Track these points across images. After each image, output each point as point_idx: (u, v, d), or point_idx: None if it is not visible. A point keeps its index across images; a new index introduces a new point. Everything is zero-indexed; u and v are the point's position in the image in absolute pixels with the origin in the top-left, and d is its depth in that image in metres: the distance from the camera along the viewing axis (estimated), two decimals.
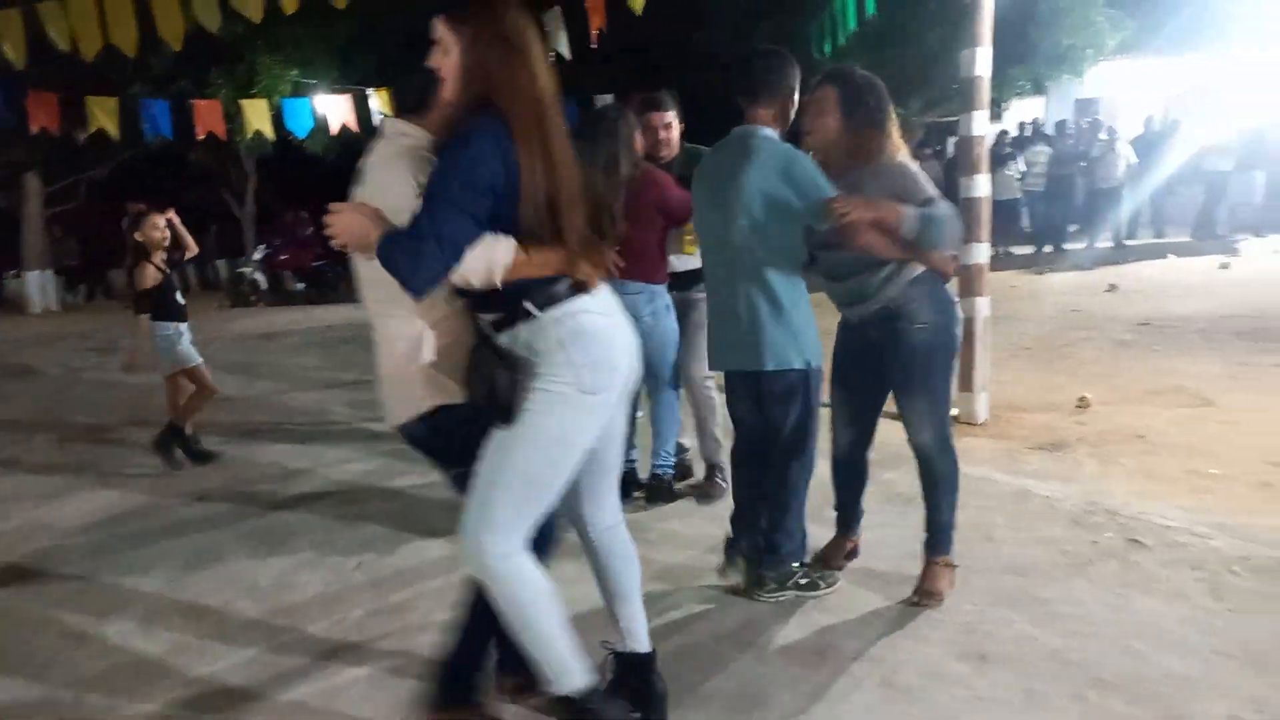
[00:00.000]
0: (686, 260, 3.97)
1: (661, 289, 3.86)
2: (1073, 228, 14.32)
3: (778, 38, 12.16)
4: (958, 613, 2.92)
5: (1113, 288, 10.20)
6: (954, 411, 5.16)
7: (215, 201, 18.08)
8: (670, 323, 3.90)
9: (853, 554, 3.30)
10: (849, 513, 3.30)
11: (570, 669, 2.13)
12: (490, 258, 1.93)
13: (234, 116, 11.10)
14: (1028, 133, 15.31)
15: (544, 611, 2.08)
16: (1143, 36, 13.38)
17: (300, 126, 10.20)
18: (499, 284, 1.96)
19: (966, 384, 5.19)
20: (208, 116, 10.23)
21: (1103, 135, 13.78)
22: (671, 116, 4.02)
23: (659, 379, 3.94)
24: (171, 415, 5.11)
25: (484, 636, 2.29)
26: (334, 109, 11.87)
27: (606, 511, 2.31)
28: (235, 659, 2.82)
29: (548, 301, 2.00)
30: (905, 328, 2.88)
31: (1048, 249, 13.73)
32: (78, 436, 5.88)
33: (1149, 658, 2.59)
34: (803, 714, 2.41)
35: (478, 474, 2.05)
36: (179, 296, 5.19)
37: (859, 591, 3.10)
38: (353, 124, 11.62)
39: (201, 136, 10.49)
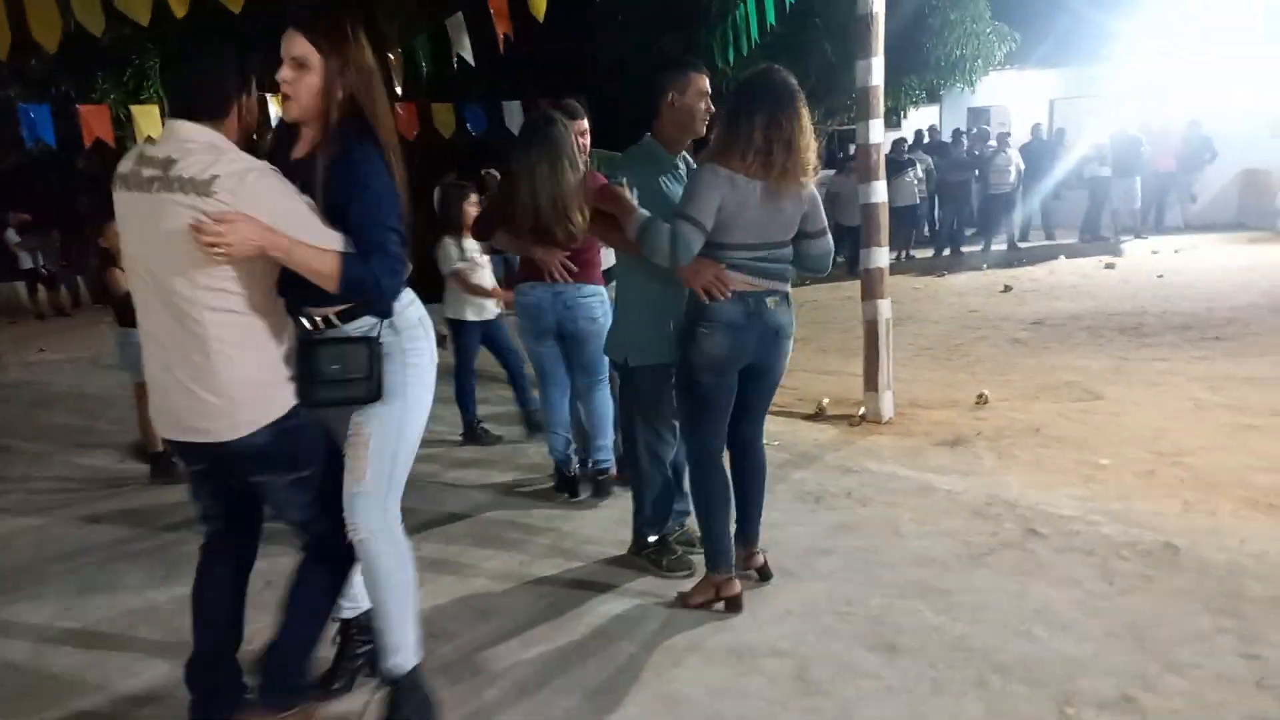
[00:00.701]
0: (609, 257, 4.08)
1: (605, 289, 4.01)
2: (969, 231, 14.89)
3: (680, 48, 12.32)
4: (867, 605, 3.00)
5: (1008, 288, 10.62)
6: (860, 410, 5.35)
7: (107, 209, 17.26)
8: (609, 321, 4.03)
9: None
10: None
11: (413, 646, 2.34)
12: None
13: (124, 122, 10.64)
14: (924, 140, 15.87)
15: (412, 583, 2.33)
16: (1028, 48, 13.99)
17: None
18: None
19: (872, 383, 5.34)
20: (95, 122, 9.74)
21: (992, 142, 14.37)
22: (586, 124, 4.16)
23: (597, 377, 4.07)
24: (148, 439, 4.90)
25: (316, 632, 2.35)
26: None
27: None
28: (134, 682, 2.71)
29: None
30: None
31: (946, 252, 14.22)
32: None
33: (1045, 642, 2.71)
34: (716, 714, 2.44)
35: (365, 460, 2.20)
36: None
37: (770, 588, 3.16)
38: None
39: (89, 143, 10.04)
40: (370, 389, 2.19)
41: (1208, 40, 14.29)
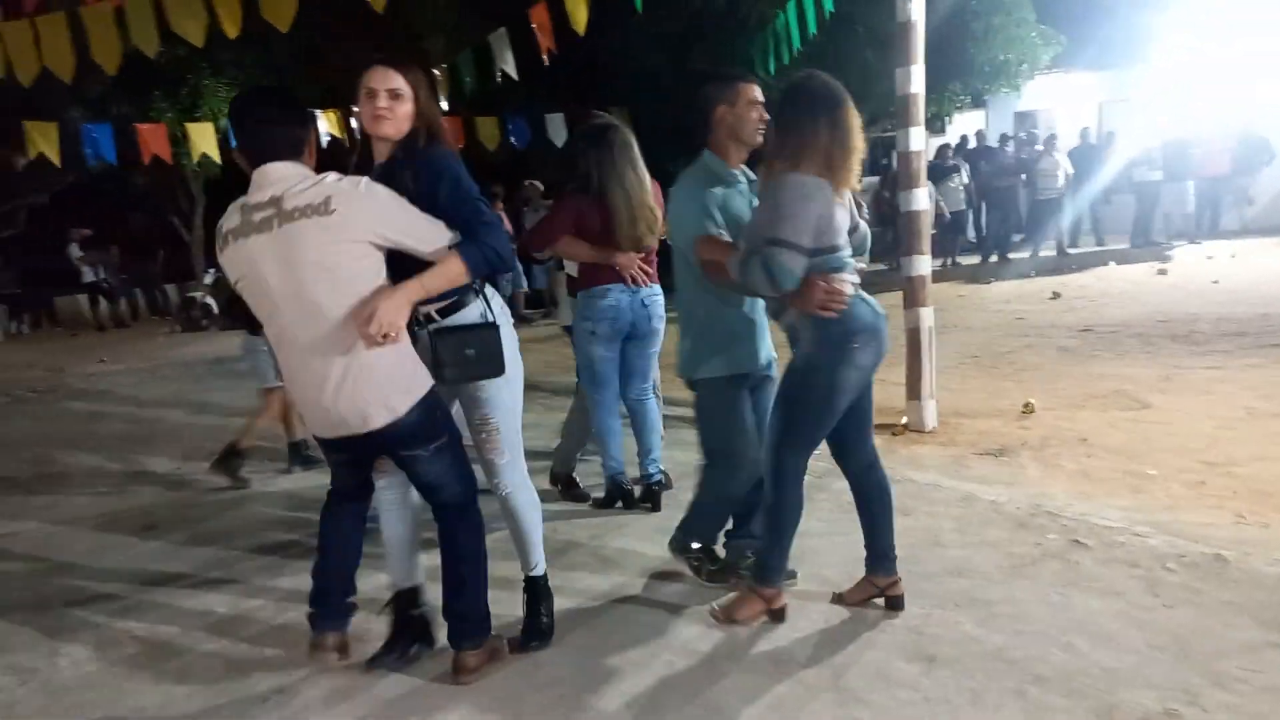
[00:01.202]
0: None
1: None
2: (1017, 237, 14.68)
3: (716, 58, 12.36)
4: (906, 616, 2.99)
5: (1056, 295, 10.47)
6: (903, 419, 5.31)
7: (163, 226, 17.79)
8: None
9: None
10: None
11: (543, 557, 2.97)
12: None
13: (179, 140, 10.97)
14: (969, 146, 15.68)
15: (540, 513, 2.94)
16: (1075, 51, 13.80)
17: None
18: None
19: (914, 392, 5.31)
20: (152, 140, 10.09)
21: (1039, 146, 14.17)
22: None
23: (650, 383, 4.23)
24: (286, 431, 5.33)
25: (483, 577, 2.77)
26: None
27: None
28: (193, 685, 2.80)
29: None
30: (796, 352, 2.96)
31: (993, 259, 14.04)
32: (25, 465, 5.75)
33: (1086, 653, 2.68)
34: (752, 718, 2.45)
35: (498, 438, 2.74)
36: None
37: (810, 599, 3.16)
38: None
39: (147, 161, 10.36)
40: (499, 365, 2.64)
41: (1263, 39, 13.96)
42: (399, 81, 2.60)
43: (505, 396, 2.73)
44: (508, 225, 12.23)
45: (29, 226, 16.20)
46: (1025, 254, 13.88)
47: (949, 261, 13.69)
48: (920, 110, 5.17)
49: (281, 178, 2.40)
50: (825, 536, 3.67)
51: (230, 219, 2.46)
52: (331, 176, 2.42)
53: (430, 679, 2.76)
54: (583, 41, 7.50)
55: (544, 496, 3.06)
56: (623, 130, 3.97)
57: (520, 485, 2.85)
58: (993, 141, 16.12)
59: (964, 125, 16.57)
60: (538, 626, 2.93)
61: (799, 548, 3.37)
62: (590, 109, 4.54)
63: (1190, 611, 2.91)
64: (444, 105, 11.21)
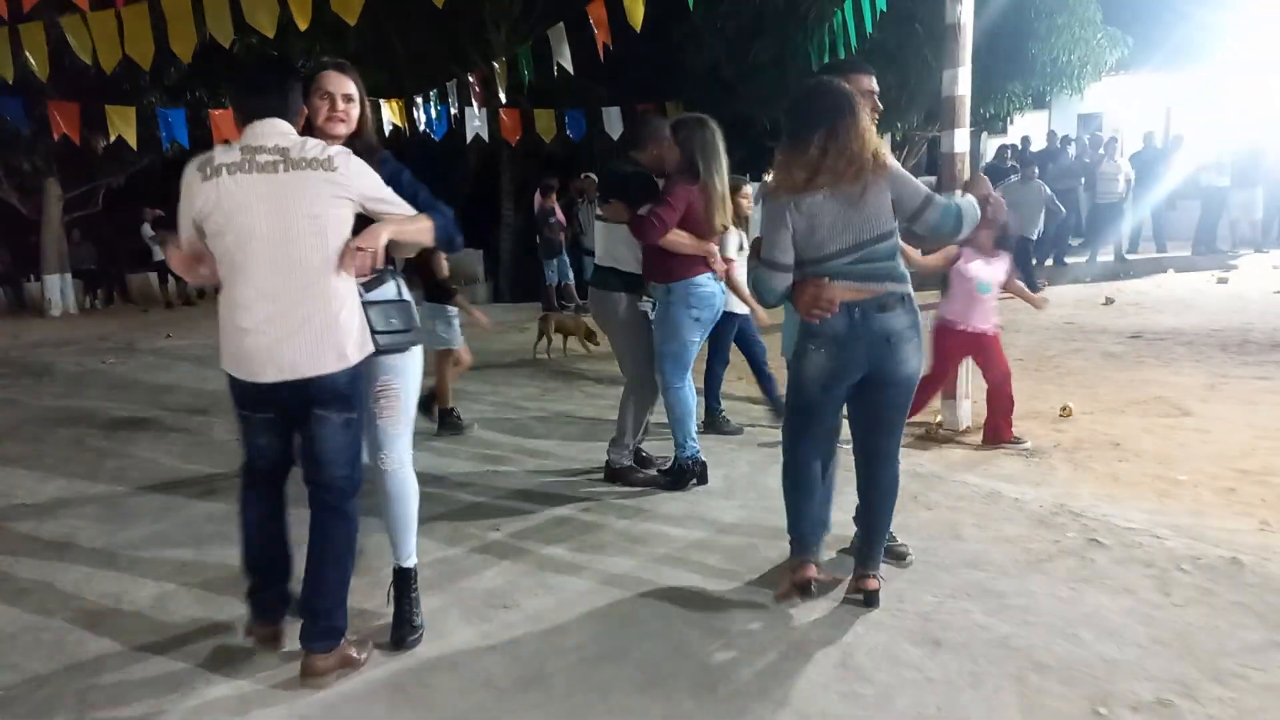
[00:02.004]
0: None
1: None
2: (1075, 242, 14.45)
3: (773, 54, 12.38)
4: (918, 603, 3.10)
5: (1109, 301, 10.33)
6: (937, 419, 5.37)
7: None
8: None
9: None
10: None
11: (414, 548, 2.99)
12: None
13: None
14: (1029, 147, 15.47)
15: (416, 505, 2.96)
16: (1144, 53, 13.53)
17: None
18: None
19: (950, 392, 5.36)
20: (224, 125, 10.49)
21: (1101, 150, 13.94)
22: None
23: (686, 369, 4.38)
24: (438, 387, 5.70)
25: (348, 576, 2.78)
26: None
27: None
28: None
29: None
30: None
31: (1049, 262, 13.85)
32: (98, 429, 6.09)
33: (1089, 645, 2.76)
34: (760, 692, 2.59)
35: (399, 407, 2.88)
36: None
37: (825, 584, 3.27)
38: None
39: (219, 144, 10.75)
40: (417, 336, 2.89)
41: None
42: (351, 87, 2.82)
43: (411, 365, 2.91)
44: (560, 218, 12.44)
45: (105, 206, 16.85)
46: (1083, 259, 13.67)
47: None
48: (965, 113, 5.21)
49: (284, 133, 2.60)
50: (847, 525, 3.76)
51: (226, 154, 2.57)
52: (323, 141, 2.65)
53: (429, 657, 2.94)
54: (643, 37, 7.65)
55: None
56: (711, 123, 4.18)
57: (404, 464, 2.93)
58: (1046, 142, 15.89)
59: (1025, 127, 16.34)
60: (411, 620, 2.94)
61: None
62: (650, 103, 4.74)
63: (1199, 610, 2.97)
64: (502, 97, 11.48)
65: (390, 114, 11.61)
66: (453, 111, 12.11)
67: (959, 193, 3.16)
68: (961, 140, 5.25)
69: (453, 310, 5.74)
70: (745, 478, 4.56)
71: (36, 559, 3.76)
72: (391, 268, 2.89)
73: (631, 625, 3.00)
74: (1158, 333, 8.23)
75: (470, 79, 12.09)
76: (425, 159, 18.16)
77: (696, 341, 4.30)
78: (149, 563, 3.68)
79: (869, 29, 7.67)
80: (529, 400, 6.62)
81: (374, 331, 2.73)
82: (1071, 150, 15.31)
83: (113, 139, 10.29)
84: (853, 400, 3.05)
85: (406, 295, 2.93)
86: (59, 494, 4.67)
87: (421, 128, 12.09)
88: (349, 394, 2.67)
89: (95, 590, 3.43)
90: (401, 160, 2.97)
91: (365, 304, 2.72)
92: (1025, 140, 15.83)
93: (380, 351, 2.75)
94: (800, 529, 3.16)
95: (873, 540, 3.14)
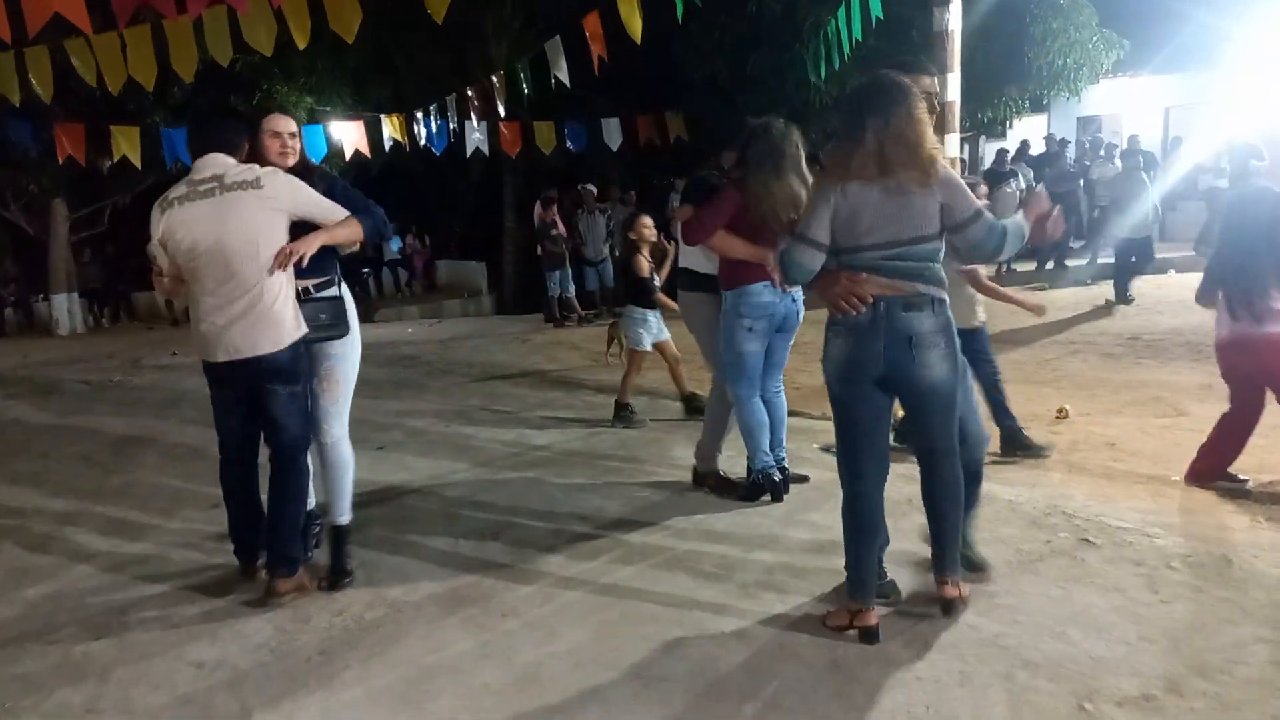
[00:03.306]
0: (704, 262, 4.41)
1: None
2: (1076, 244, 14.48)
3: (771, 65, 12.45)
4: (909, 603, 3.13)
5: (1109, 303, 10.35)
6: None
7: None
8: None
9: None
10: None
11: (348, 508, 3.57)
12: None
13: None
14: (1028, 151, 15.51)
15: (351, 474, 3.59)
16: (1142, 55, 13.57)
17: (315, 151, 10.59)
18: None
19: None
20: None
21: (1101, 152, 13.98)
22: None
23: (781, 376, 4.38)
24: (621, 390, 6.05)
25: (303, 511, 3.54)
26: (347, 134, 12.19)
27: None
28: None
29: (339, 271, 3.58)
30: None
31: (1049, 265, 13.88)
32: (104, 445, 6.17)
33: (1077, 642, 2.80)
34: (753, 693, 2.63)
35: (339, 389, 3.52)
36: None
37: (824, 586, 3.31)
38: (365, 149, 12.01)
39: None
40: (342, 330, 3.49)
41: None
42: (294, 125, 3.53)
43: (350, 352, 3.55)
44: (561, 229, 12.51)
45: (111, 225, 17.01)
46: (1083, 260, 13.69)
47: (1004, 267, 13.57)
48: (955, 118, 5.28)
49: (221, 164, 3.25)
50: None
51: (177, 190, 3.28)
52: (255, 166, 3.28)
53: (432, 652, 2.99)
54: (642, 48, 7.73)
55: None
56: (785, 126, 4.02)
57: (342, 438, 3.55)
58: (1045, 146, 15.91)
59: (1024, 130, 16.39)
60: (343, 568, 3.52)
61: (820, 542, 3.55)
62: (649, 114, 4.77)
63: (1187, 607, 3.01)
64: (501, 111, 11.57)
65: (390, 129, 11.72)
66: (452, 126, 12.22)
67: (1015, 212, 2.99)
68: (952, 145, 5.31)
69: (643, 313, 6.06)
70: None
71: (43, 569, 3.83)
72: (337, 278, 3.53)
73: (626, 628, 3.05)
74: (1156, 334, 8.26)
75: (470, 93, 12.19)
76: (427, 173, 18.33)
77: (754, 351, 4.18)
78: (154, 582, 3.74)
79: (858, 36, 7.74)
80: (529, 410, 6.67)
81: (311, 324, 3.34)
82: (1070, 153, 15.35)
83: (116, 159, 10.40)
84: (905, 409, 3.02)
85: (344, 294, 3.53)
86: (66, 509, 4.74)
87: (422, 142, 12.19)
88: (290, 370, 3.31)
89: (104, 602, 3.49)
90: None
91: (306, 300, 3.37)
92: (1023, 144, 15.87)
93: (311, 340, 3.36)
94: (860, 573, 2.97)
95: (944, 543, 2.98)
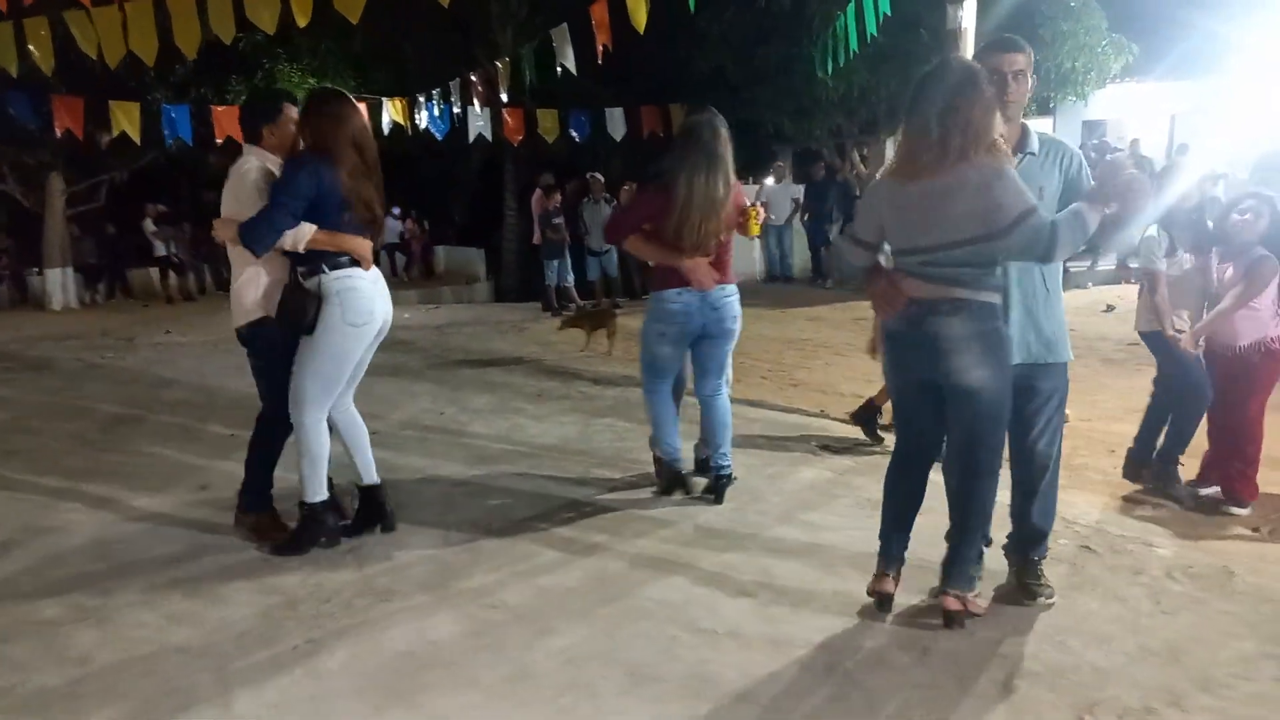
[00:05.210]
0: None
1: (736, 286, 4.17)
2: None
3: (778, 59, 12.38)
4: (910, 609, 3.09)
5: (1110, 308, 10.33)
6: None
7: None
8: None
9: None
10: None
11: (323, 490, 3.63)
12: (294, 236, 3.35)
13: None
14: None
15: (323, 453, 3.60)
16: (1150, 61, 13.51)
17: None
18: (301, 250, 3.38)
19: None
20: (227, 122, 10.53)
21: (1108, 156, 13.93)
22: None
23: (723, 379, 4.20)
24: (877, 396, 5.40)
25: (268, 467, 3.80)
26: None
27: (350, 394, 3.75)
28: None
29: (333, 266, 3.45)
30: None
31: None
32: (97, 424, 6.10)
33: (1078, 653, 2.76)
34: (748, 695, 2.59)
35: (293, 371, 3.50)
36: None
37: (817, 586, 3.27)
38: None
39: (221, 141, 10.79)
40: (298, 328, 3.46)
41: None
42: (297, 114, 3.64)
43: (305, 353, 3.49)
44: (561, 218, 12.40)
45: (108, 202, 16.88)
46: (1084, 265, 13.65)
47: None
48: None
49: (243, 155, 3.57)
50: (839, 530, 3.77)
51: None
52: (245, 160, 3.50)
53: (428, 643, 2.94)
54: (649, 39, 7.66)
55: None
56: (713, 126, 3.89)
57: (301, 424, 3.54)
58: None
59: None
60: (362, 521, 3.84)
61: (818, 542, 3.51)
62: (655, 105, 4.66)
63: (1189, 619, 2.97)
64: (504, 97, 11.48)
65: (392, 113, 11.62)
66: (455, 111, 12.12)
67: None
68: None
69: None
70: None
71: (28, 549, 3.77)
72: (322, 267, 3.46)
73: (619, 626, 3.00)
74: None
75: (474, 78, 12.10)
76: (429, 158, 18.21)
77: (665, 354, 4.11)
78: (141, 564, 3.69)
79: (872, 32, 7.66)
80: (525, 399, 6.62)
81: (278, 311, 3.48)
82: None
83: (115, 134, 10.30)
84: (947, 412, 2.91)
85: (326, 288, 3.45)
86: (55, 486, 4.67)
87: (424, 126, 12.10)
88: (252, 345, 3.61)
89: (88, 584, 3.43)
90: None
91: (286, 288, 3.48)
92: None
93: (280, 327, 3.49)
94: (882, 534, 3.10)
95: (957, 557, 2.94)
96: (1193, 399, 4.47)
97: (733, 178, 3.97)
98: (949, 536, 3.00)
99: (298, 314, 3.44)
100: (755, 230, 4.13)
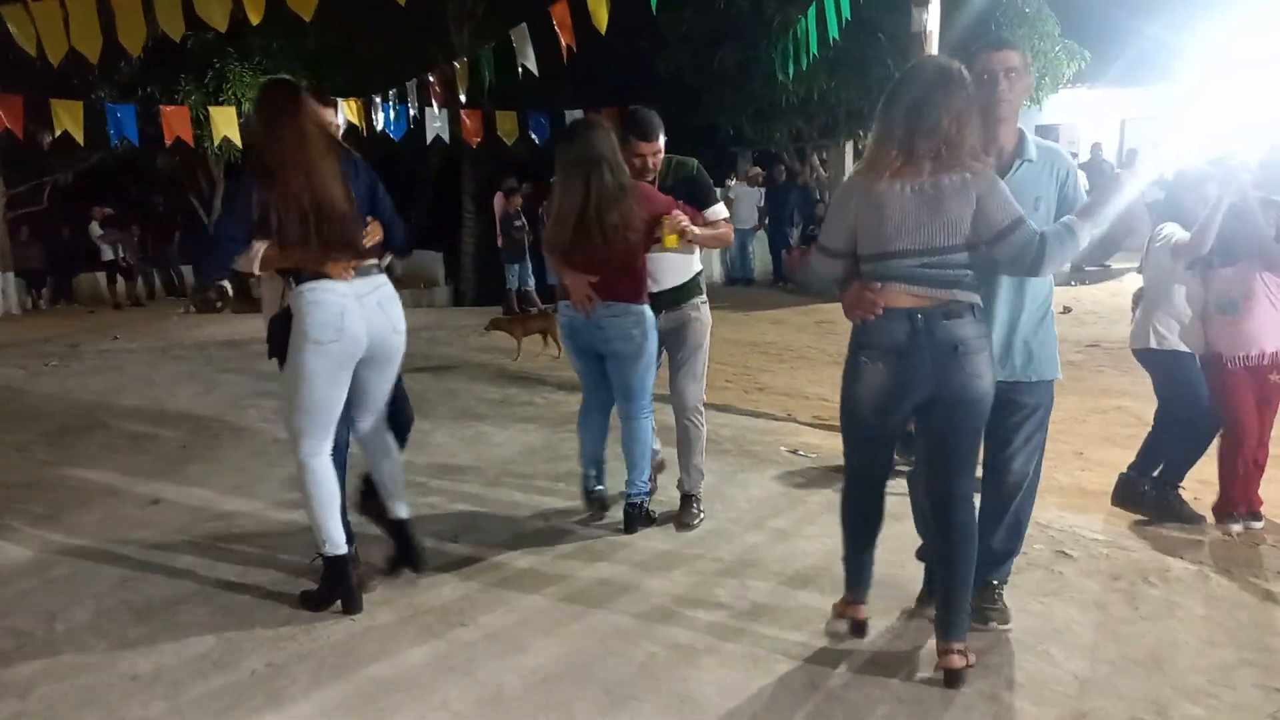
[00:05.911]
0: (675, 275, 3.84)
1: (647, 309, 3.70)
2: None
3: (738, 61, 12.38)
4: (888, 621, 3.03)
5: (1067, 310, 10.43)
6: None
7: (182, 207, 17.97)
8: (654, 345, 3.75)
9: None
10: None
11: (334, 539, 3.14)
12: (246, 259, 3.03)
13: (202, 123, 11.04)
14: None
15: (326, 497, 3.14)
16: (1101, 66, 13.73)
17: None
18: (256, 271, 3.07)
19: None
20: (176, 122, 10.23)
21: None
22: (660, 145, 3.74)
23: (636, 403, 3.80)
24: None
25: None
26: None
27: (366, 421, 3.40)
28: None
29: (300, 279, 3.06)
30: None
31: None
32: (40, 435, 5.85)
33: (1061, 662, 2.72)
34: (727, 713, 2.51)
35: (283, 399, 3.25)
36: None
37: (794, 599, 3.20)
38: None
39: (170, 142, 10.49)
40: (271, 349, 3.24)
41: None
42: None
43: (285, 375, 3.15)
44: (524, 221, 12.25)
45: (52, 204, 16.38)
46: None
47: None
48: None
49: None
50: (817, 539, 3.71)
51: None
52: None
53: (422, 662, 2.83)
54: (609, 41, 7.57)
55: None
56: (591, 132, 3.54)
57: (296, 464, 3.16)
58: None
59: None
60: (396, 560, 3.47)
61: (791, 550, 3.45)
62: (615, 107, 4.49)
63: (1168, 625, 2.95)
64: (462, 98, 11.33)
65: (348, 113, 11.40)
66: (412, 112, 11.94)
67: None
68: None
69: None
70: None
71: None
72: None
73: (594, 644, 2.91)
74: (1116, 342, 8.29)
75: (431, 79, 11.92)
76: (386, 160, 17.94)
77: (579, 367, 3.90)
78: (87, 585, 3.51)
79: (833, 35, 7.66)
80: (488, 406, 6.49)
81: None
82: None
83: (58, 134, 9.97)
84: (920, 431, 2.71)
85: (302, 303, 3.07)
86: None
87: (380, 128, 11.90)
88: (271, 344, 3.25)
89: (29, 607, 3.25)
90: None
91: (274, 316, 3.23)
92: None
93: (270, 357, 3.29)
94: (852, 567, 2.85)
95: (952, 604, 2.61)
96: (1202, 423, 4.09)
97: (623, 177, 3.52)
98: (938, 579, 2.75)
99: (275, 341, 3.19)
100: (670, 243, 3.57)
